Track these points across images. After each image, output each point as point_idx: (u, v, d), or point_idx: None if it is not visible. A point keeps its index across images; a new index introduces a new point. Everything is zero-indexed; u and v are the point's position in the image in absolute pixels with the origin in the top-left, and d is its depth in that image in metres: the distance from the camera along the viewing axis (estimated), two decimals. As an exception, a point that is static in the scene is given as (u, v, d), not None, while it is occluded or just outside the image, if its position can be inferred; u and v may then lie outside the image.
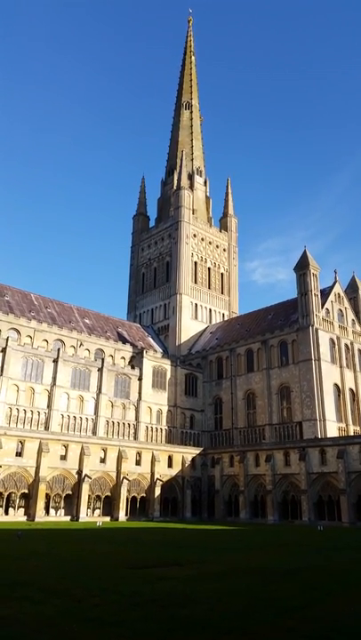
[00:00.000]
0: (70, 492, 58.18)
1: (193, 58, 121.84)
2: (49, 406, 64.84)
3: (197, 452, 71.72)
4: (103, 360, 72.53)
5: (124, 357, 79.54)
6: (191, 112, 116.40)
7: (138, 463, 64.19)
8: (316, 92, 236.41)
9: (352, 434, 68.45)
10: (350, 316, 79.49)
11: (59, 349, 68.39)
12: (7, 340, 63.29)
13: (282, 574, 18.43)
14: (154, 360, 79.23)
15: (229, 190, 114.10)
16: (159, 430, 76.68)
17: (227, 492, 67.49)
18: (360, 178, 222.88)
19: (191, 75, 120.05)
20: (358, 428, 71.82)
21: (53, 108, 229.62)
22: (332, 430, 67.43)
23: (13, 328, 69.24)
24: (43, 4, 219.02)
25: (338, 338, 74.66)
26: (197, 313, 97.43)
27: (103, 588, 15.04)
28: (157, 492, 64.15)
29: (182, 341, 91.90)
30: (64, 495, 58.03)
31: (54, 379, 65.90)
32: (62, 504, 58.22)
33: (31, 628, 10.42)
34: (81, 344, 75.49)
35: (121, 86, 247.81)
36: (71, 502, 58.21)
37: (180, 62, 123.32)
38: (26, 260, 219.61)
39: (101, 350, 77.48)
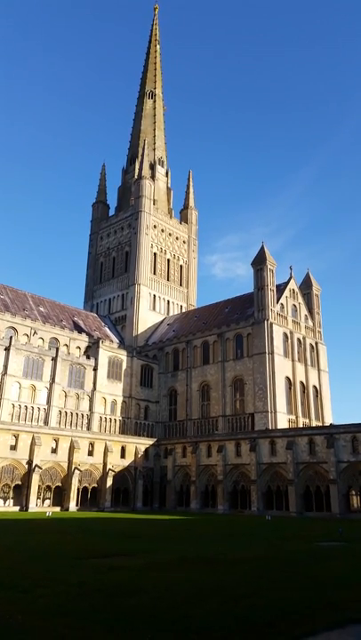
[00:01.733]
0: (20, 483, 57.13)
1: (158, 47, 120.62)
2: None
3: (151, 442, 71.91)
4: (58, 349, 71.34)
5: (79, 347, 78.52)
6: (155, 101, 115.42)
7: (90, 454, 63.72)
8: (281, 85, 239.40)
9: (301, 426, 70.44)
10: (303, 311, 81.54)
11: (11, 337, 66.68)
12: None
13: (230, 564, 18.77)
14: (110, 350, 78.64)
15: (191, 182, 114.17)
16: (113, 421, 76.34)
17: (178, 482, 68.12)
18: (322, 176, 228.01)
19: (156, 63, 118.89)
20: (307, 420, 74.01)
21: (13, 92, 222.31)
22: (283, 422, 69.17)
23: (-36, 314, 66.90)
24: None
25: (291, 332, 76.46)
26: (155, 304, 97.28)
27: (50, 578, 14.87)
28: (109, 482, 63.95)
29: (139, 332, 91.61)
30: (13, 485, 56.93)
31: (5, 367, 64.28)
32: (11, 494, 57.09)
33: (-27, 620, 10.15)
34: (35, 332, 73.91)
35: (84, 72, 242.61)
36: (20, 492, 57.18)
37: (145, 50, 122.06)
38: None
39: (56, 339, 76.14)
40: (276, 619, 10.67)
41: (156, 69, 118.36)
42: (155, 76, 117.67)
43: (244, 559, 19.92)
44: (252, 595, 13.00)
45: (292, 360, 75.04)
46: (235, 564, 18.51)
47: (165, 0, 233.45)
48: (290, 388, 73.49)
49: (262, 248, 77.79)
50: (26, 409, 65.57)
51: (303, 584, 14.88)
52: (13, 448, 57.10)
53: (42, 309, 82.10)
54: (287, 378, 73.40)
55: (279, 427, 66.87)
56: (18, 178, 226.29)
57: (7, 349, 64.85)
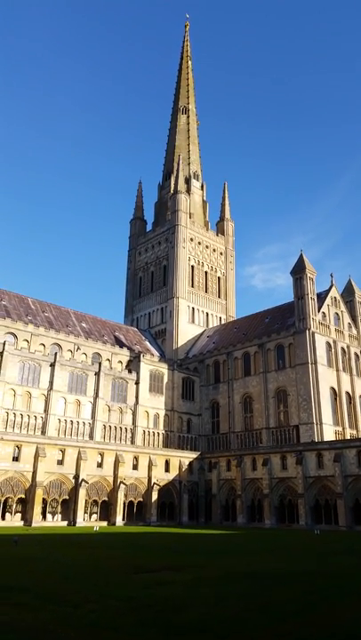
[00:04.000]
0: (67, 497, 58.02)
1: (190, 62, 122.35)
2: (46, 410, 64.72)
3: (195, 456, 71.63)
4: (100, 364, 72.46)
5: (121, 361, 79.52)
6: (188, 116, 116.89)
7: (135, 467, 64.09)
8: (315, 94, 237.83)
9: (349, 437, 68.52)
10: (346, 319, 79.74)
11: (55, 353, 68.30)
12: (4, 344, 63.18)
13: (279, 579, 18.44)
14: (151, 364, 79.21)
15: (226, 194, 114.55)
16: (156, 434, 76.57)
17: (224, 496, 67.39)
18: (359, 183, 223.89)
19: (188, 79, 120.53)
20: (355, 432, 71.92)
21: (51, 111, 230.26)
22: (329, 434, 67.50)
23: (10, 332, 69.19)
24: (41, 6, 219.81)
25: (334, 341, 74.83)
26: (194, 317, 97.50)
27: (100, 593, 15.03)
28: (154, 496, 64.02)
29: (179, 345, 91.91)
30: (61, 500, 57.86)
31: (51, 383, 65.80)
32: (59, 509, 58.03)
33: (27, 634, 10.41)
34: (78, 348, 75.44)
35: (118, 90, 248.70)
36: (68, 507, 58.05)
37: (176, 66, 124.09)
38: (23, 265, 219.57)
39: (98, 354, 77.43)
40: (329, 637, 10.41)
41: (188, 85, 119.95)
42: (187, 91, 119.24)
43: (292, 574, 19.53)
44: (302, 611, 12.73)
45: (337, 370, 73.32)
46: (284, 579, 18.17)
47: (196, 16, 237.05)
48: (335, 399, 71.75)
49: (301, 257, 76.87)
50: (71, 424, 66.76)
51: (355, 600, 14.44)
52: (60, 463, 58.15)
53: (84, 325, 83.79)
54: (332, 388, 71.73)
55: (325, 439, 65.28)
56: (61, 196, 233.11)
57: (52, 365, 66.43)
